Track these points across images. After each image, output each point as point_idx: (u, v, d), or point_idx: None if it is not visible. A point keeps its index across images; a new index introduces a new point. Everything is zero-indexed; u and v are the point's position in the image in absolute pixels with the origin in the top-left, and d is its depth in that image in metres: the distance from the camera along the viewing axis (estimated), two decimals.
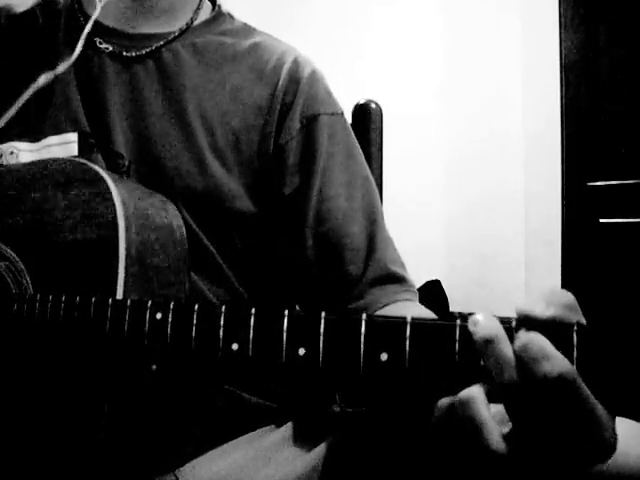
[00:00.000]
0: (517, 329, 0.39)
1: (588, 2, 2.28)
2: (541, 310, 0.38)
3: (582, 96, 2.29)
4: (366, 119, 1.03)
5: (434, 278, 2.43)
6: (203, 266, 0.73)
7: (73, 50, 0.75)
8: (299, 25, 2.45)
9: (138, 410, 0.59)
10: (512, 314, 0.42)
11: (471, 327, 0.39)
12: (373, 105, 1.03)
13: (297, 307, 0.77)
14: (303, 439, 0.65)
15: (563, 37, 2.30)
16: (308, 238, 0.74)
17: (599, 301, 2.16)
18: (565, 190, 2.30)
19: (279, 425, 0.70)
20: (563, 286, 2.28)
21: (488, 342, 0.38)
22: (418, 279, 2.38)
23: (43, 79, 0.72)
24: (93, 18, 0.74)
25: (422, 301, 0.76)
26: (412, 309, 0.71)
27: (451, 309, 2.42)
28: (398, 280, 0.74)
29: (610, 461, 0.42)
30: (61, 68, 0.73)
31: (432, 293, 2.40)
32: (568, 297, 0.39)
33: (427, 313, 0.71)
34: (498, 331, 0.38)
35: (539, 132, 2.34)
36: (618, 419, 0.39)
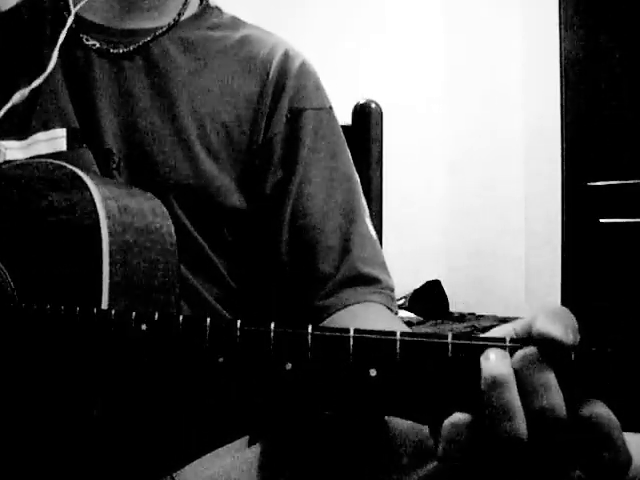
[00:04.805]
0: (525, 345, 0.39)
1: (588, 3, 2.28)
2: (564, 333, 0.38)
3: (582, 96, 2.29)
4: (366, 119, 1.02)
5: (434, 278, 2.43)
6: (195, 262, 0.72)
7: (59, 49, 0.74)
8: (300, 25, 2.45)
9: (129, 415, 0.59)
10: (512, 314, 0.42)
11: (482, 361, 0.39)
12: (373, 105, 1.03)
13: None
14: (267, 469, 0.64)
15: (563, 37, 2.30)
16: (284, 233, 0.73)
17: (599, 301, 2.16)
18: (565, 190, 2.30)
19: (252, 440, 0.70)
20: (563, 286, 2.29)
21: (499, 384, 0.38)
22: (418, 279, 2.40)
23: (18, 97, 0.72)
24: (74, 12, 0.74)
25: (422, 301, 0.76)
26: (370, 313, 0.70)
27: (451, 309, 2.42)
28: (370, 281, 0.72)
29: None
30: (36, 82, 0.72)
31: (432, 293, 2.40)
32: (574, 320, 0.39)
33: (386, 318, 0.70)
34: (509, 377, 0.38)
35: (539, 132, 2.34)
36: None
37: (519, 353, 0.38)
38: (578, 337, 0.38)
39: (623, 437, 0.37)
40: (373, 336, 0.41)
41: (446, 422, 0.39)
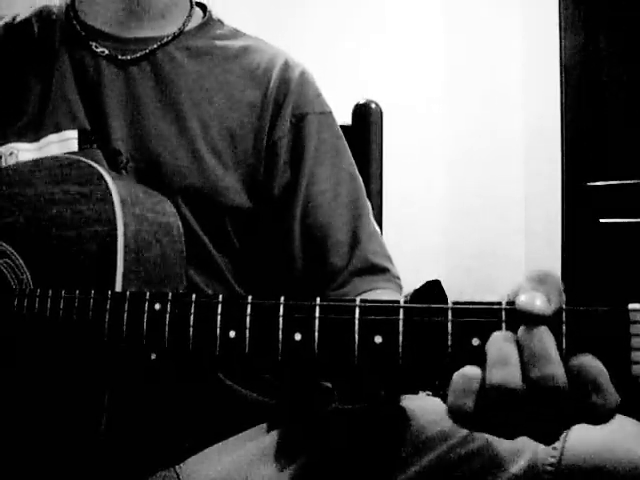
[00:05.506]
0: (511, 321, 0.41)
1: (588, 4, 2.28)
2: (545, 306, 0.40)
3: (582, 96, 2.29)
4: (366, 119, 1.03)
5: (434, 278, 2.43)
6: (200, 262, 0.74)
7: (69, 56, 0.78)
8: (300, 25, 2.45)
9: (138, 402, 0.60)
10: None
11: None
12: (373, 105, 1.03)
13: None
14: (284, 454, 0.65)
15: (563, 38, 2.30)
16: (295, 232, 0.77)
17: (599, 301, 2.16)
18: (565, 190, 2.30)
19: (270, 427, 0.71)
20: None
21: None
22: (418, 279, 2.39)
23: (8, 17, 0.79)
24: None
25: (422, 301, 0.78)
26: (386, 295, 0.73)
27: None
28: (379, 271, 0.77)
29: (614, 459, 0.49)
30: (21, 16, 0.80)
31: (432, 293, 2.39)
32: (559, 282, 0.42)
33: (397, 296, 0.72)
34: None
35: (539, 132, 2.34)
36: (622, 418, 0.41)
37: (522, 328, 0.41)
38: (563, 298, 0.41)
39: (609, 381, 0.40)
40: (377, 304, 0.44)
41: (457, 373, 0.41)
